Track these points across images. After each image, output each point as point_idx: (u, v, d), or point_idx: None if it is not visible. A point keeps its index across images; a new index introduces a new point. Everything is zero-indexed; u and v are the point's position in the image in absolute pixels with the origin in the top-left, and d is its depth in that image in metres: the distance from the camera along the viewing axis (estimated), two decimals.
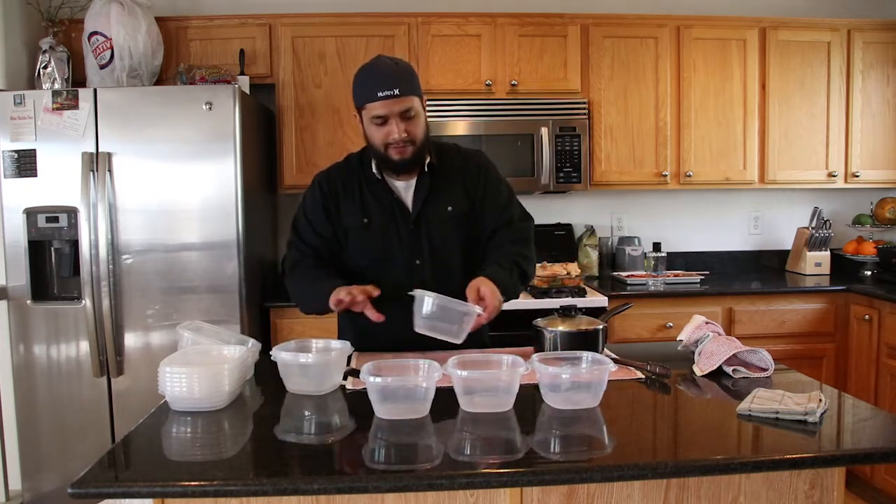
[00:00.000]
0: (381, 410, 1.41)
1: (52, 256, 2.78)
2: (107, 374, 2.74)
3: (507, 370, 1.48)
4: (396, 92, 1.73)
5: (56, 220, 2.71)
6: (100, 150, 2.69)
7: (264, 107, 3.24)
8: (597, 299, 3.00)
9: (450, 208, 1.91)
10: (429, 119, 1.93)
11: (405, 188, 1.91)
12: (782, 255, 3.84)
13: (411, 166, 1.85)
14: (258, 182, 3.09)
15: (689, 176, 3.42)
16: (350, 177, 1.93)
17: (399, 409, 1.41)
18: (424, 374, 1.48)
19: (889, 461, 1.28)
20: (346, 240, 1.92)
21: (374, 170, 1.89)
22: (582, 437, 1.38)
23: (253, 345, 1.74)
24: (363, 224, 1.89)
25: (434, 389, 1.42)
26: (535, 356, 1.52)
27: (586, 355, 1.56)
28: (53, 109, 2.68)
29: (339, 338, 1.99)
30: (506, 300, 1.80)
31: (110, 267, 2.71)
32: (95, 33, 2.97)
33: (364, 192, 1.90)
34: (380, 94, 1.73)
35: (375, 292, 1.75)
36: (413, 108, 1.78)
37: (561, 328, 1.84)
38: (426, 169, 1.89)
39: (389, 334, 1.81)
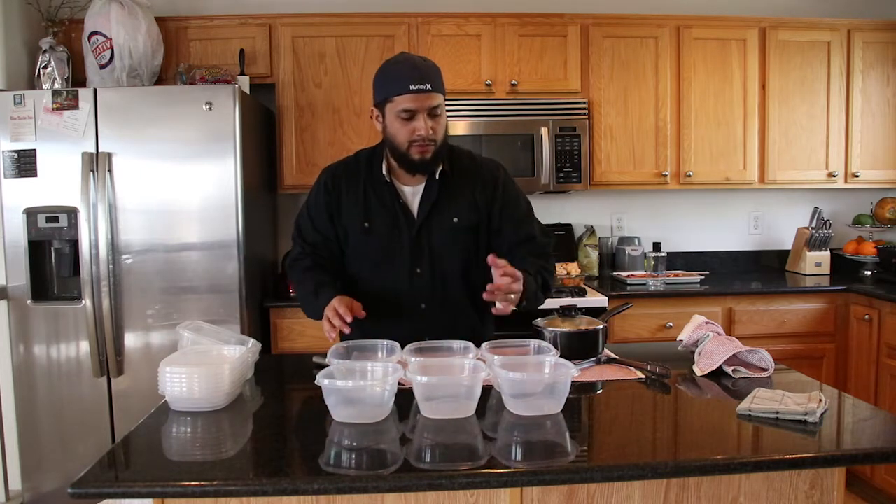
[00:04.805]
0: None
1: (52, 256, 2.78)
2: (107, 374, 2.74)
3: (469, 375, 1.46)
4: (428, 87, 1.70)
5: (56, 220, 2.71)
6: (100, 150, 2.69)
7: (264, 107, 3.24)
8: (597, 299, 3.00)
9: (455, 219, 1.85)
10: None
11: (412, 194, 1.86)
12: (782, 255, 3.84)
13: (429, 167, 1.80)
14: (258, 182, 3.09)
15: (689, 176, 3.42)
16: (356, 176, 1.88)
17: (353, 412, 1.41)
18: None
19: (889, 461, 1.28)
20: (346, 240, 1.90)
21: (383, 171, 1.84)
22: (581, 438, 1.38)
23: (253, 345, 1.74)
24: (363, 228, 1.85)
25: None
26: (497, 359, 1.51)
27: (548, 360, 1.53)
28: (53, 109, 2.68)
29: (341, 340, 1.98)
30: (528, 307, 1.77)
31: (110, 267, 2.71)
32: (95, 33, 2.97)
33: (368, 195, 1.86)
34: (412, 87, 1.69)
35: (361, 314, 1.71)
36: (440, 106, 1.75)
37: (561, 328, 1.84)
38: (437, 176, 1.84)
39: (389, 339, 1.77)
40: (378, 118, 1.80)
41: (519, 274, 1.66)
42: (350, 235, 1.88)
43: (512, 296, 1.67)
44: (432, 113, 1.73)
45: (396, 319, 1.88)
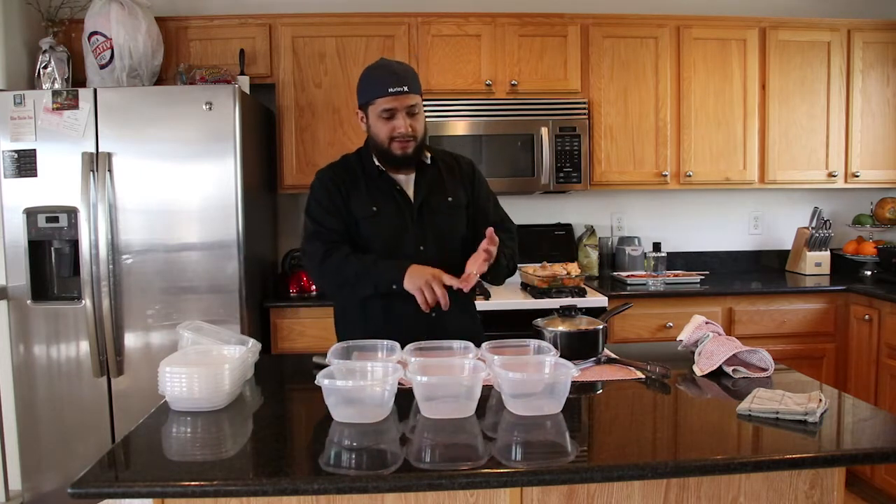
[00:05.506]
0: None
1: (52, 256, 2.78)
2: (107, 374, 2.74)
3: (469, 375, 1.47)
4: (405, 88, 1.87)
5: (56, 220, 2.71)
6: (100, 150, 2.69)
7: (264, 107, 3.24)
8: (597, 299, 3.00)
9: (450, 199, 2.02)
10: (428, 119, 2.01)
11: (406, 182, 2.02)
12: (782, 255, 3.84)
13: (411, 162, 1.97)
14: (258, 182, 3.09)
15: (689, 176, 3.42)
16: (352, 172, 2.02)
17: (353, 412, 1.41)
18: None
19: (889, 461, 1.28)
20: (356, 229, 1.99)
21: (376, 163, 1.98)
22: (581, 438, 1.38)
23: (253, 345, 1.75)
24: (373, 213, 1.96)
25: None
26: (497, 359, 1.52)
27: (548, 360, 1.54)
28: (53, 109, 2.68)
29: (339, 337, 2.03)
30: (492, 282, 2.03)
31: (110, 267, 2.71)
32: (95, 33, 2.97)
33: (369, 186, 1.99)
34: (390, 89, 1.86)
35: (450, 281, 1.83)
36: (417, 105, 1.92)
37: (561, 328, 1.84)
38: (428, 162, 2.02)
39: (397, 327, 1.85)
40: (363, 120, 1.98)
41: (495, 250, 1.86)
42: (359, 222, 1.98)
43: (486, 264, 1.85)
44: (410, 112, 1.90)
45: (404, 296, 1.90)
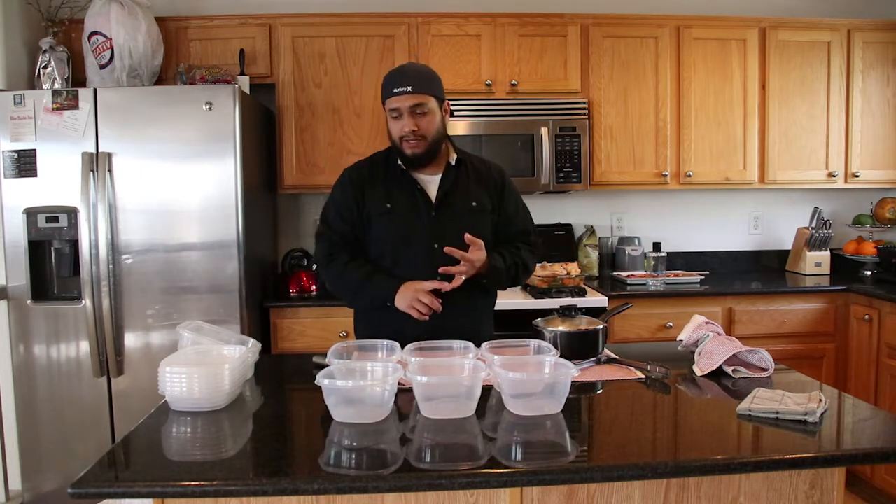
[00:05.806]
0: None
1: (52, 256, 2.78)
2: (107, 374, 2.74)
3: (469, 375, 1.47)
4: (409, 89, 1.90)
5: (56, 220, 2.71)
6: (100, 150, 2.69)
7: (264, 107, 3.24)
8: (597, 299, 3.00)
9: (474, 203, 2.03)
10: None
11: (429, 181, 2.04)
12: (782, 255, 3.84)
13: (423, 161, 1.99)
14: (258, 182, 3.09)
15: (689, 176, 3.42)
16: (376, 169, 2.07)
17: (353, 412, 1.41)
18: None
19: (889, 461, 1.28)
20: (368, 225, 2.02)
21: (399, 161, 2.02)
22: (581, 438, 1.38)
23: (253, 345, 1.75)
24: (386, 209, 2.00)
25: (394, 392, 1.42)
26: (497, 359, 1.52)
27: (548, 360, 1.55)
28: (53, 109, 2.68)
29: (357, 332, 2.11)
30: (492, 287, 2.05)
31: (110, 267, 2.71)
32: (95, 33, 2.97)
33: (389, 183, 2.03)
34: (395, 90, 1.91)
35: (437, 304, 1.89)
36: (426, 106, 1.93)
37: (561, 328, 1.84)
38: (454, 164, 2.04)
39: (403, 325, 1.89)
40: (387, 122, 2.02)
41: (480, 256, 1.91)
42: (373, 218, 2.01)
43: (465, 267, 1.89)
44: (416, 111, 1.92)
45: None
